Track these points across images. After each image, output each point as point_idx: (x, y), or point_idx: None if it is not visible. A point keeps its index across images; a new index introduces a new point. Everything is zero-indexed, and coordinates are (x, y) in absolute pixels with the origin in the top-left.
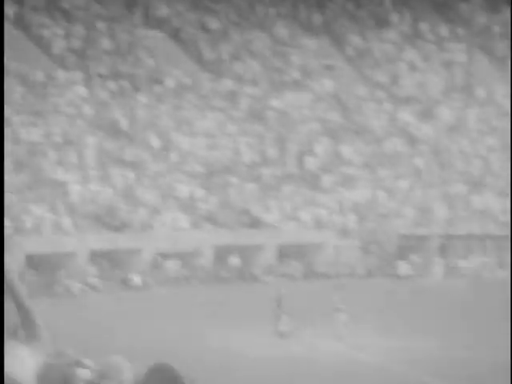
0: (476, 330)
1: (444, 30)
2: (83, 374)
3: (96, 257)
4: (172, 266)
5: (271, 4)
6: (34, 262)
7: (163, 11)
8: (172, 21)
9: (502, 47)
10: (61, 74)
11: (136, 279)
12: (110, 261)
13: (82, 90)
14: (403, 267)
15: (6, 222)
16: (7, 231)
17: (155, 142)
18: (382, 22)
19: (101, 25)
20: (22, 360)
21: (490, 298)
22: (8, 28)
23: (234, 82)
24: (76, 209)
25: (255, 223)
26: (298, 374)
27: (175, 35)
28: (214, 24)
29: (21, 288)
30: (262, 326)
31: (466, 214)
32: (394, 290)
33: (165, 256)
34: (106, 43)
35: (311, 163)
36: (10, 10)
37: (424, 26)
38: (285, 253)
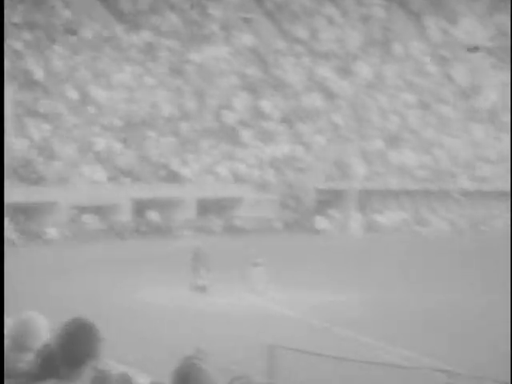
0: (396, 282)
1: None
2: None
3: (11, 210)
4: (89, 220)
5: None
6: None
7: None
8: None
9: (419, 3)
10: None
11: (53, 233)
12: (25, 214)
13: None
14: (321, 222)
15: None
16: None
17: (72, 94)
18: None
19: None
20: None
21: (408, 251)
22: None
23: (152, 34)
24: None
25: (173, 177)
26: (216, 328)
27: None
28: None
29: None
30: (180, 281)
31: (384, 169)
32: (312, 245)
33: (82, 210)
34: None
35: (230, 117)
36: None
37: None
38: (204, 207)
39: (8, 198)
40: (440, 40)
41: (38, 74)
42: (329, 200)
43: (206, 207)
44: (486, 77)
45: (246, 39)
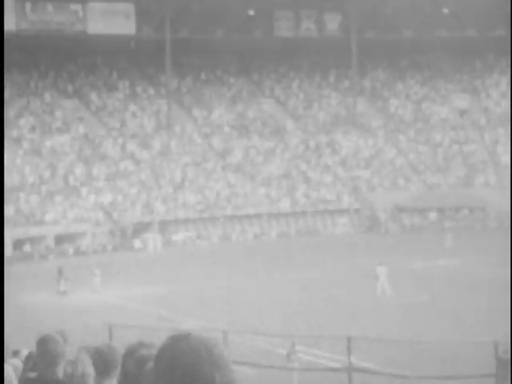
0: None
1: None
2: None
3: None
4: None
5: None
6: None
7: None
8: None
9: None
10: None
11: None
12: None
13: None
14: (137, 243)
15: None
16: None
17: None
18: None
19: None
20: None
21: (193, 259)
22: None
23: None
24: None
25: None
26: (75, 317)
27: None
28: None
29: None
30: (48, 289)
31: (175, 205)
32: (133, 259)
33: None
34: None
35: None
36: None
37: None
38: (61, 239)
39: None
40: None
41: None
42: (141, 228)
43: (62, 238)
44: None
45: None
